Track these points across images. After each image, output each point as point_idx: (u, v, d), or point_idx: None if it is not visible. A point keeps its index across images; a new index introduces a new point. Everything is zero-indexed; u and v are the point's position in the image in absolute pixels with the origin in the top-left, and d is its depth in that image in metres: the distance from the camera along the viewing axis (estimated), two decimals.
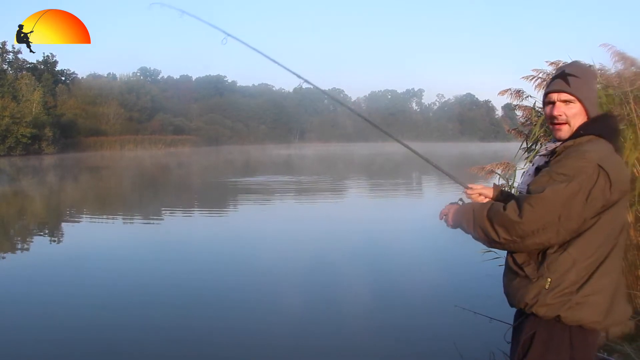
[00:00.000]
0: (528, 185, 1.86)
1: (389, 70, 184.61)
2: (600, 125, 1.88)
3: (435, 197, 17.07)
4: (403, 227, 11.16)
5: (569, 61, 4.69)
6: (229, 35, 2.70)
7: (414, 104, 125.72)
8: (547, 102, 1.98)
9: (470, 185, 2.16)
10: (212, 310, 5.78)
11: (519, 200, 1.80)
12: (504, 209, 1.80)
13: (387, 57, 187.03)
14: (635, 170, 4.18)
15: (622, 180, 1.78)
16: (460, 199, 1.98)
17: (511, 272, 1.88)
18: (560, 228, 1.73)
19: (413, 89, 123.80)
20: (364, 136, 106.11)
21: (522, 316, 1.88)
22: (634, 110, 4.14)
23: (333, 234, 10.37)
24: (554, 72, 4.76)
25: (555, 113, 1.93)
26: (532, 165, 2.03)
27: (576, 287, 1.75)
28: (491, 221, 1.82)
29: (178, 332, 5.05)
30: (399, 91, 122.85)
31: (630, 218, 4.18)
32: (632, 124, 4.13)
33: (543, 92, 2.04)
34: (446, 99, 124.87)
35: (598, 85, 4.52)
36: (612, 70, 4.61)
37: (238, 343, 4.84)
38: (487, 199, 2.12)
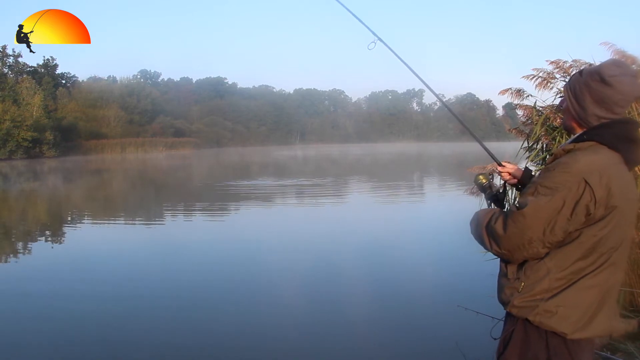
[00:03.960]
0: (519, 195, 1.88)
1: (390, 71, 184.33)
2: (607, 132, 1.77)
3: (436, 197, 17.05)
4: (404, 227, 11.15)
5: (569, 60, 4.67)
6: (379, 39, 2.61)
7: (414, 104, 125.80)
8: None
9: (503, 163, 2.16)
10: (214, 311, 5.78)
11: (506, 214, 1.81)
12: (495, 221, 1.82)
13: (387, 57, 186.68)
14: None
15: (611, 195, 1.67)
16: (491, 175, 1.98)
17: (500, 270, 1.92)
18: (546, 241, 1.73)
19: (413, 89, 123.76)
20: (365, 137, 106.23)
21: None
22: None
23: (334, 234, 10.36)
24: (554, 71, 4.77)
25: None
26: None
27: (548, 296, 1.74)
28: (487, 232, 1.86)
29: (179, 334, 5.04)
30: (399, 91, 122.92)
31: None
32: None
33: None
34: (447, 98, 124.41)
35: None
36: None
37: (238, 344, 4.83)
38: (514, 180, 2.14)
